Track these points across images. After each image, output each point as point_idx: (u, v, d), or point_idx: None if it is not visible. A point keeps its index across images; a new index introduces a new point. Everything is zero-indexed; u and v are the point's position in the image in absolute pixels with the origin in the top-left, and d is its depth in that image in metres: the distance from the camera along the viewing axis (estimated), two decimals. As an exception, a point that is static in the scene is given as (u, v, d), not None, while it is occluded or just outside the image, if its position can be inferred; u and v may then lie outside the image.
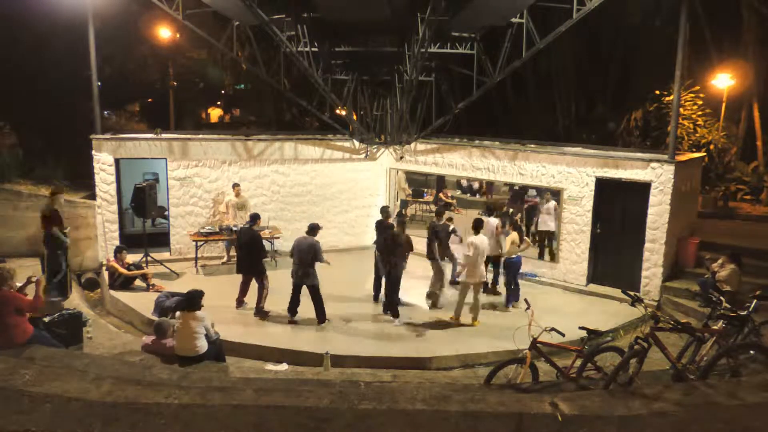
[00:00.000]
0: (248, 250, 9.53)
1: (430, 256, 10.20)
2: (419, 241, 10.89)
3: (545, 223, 11.84)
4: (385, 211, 10.60)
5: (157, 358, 7.42)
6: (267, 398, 3.50)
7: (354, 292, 10.78)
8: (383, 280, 9.88)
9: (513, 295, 10.23)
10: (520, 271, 10.45)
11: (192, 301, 7.41)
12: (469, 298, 9.48)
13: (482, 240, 9.38)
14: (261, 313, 9.51)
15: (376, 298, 10.27)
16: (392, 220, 10.41)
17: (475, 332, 9.19)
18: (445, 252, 10.38)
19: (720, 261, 9.78)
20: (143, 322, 9.43)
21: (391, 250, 9.38)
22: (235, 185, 12.27)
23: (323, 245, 10.43)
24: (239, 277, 10.08)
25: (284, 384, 5.93)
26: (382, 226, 10.22)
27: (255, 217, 9.83)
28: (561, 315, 9.42)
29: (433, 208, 14.05)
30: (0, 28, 12.96)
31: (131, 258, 10.91)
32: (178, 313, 7.53)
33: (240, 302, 9.74)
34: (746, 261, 10.00)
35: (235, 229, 11.40)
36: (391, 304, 9.55)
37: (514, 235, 10.13)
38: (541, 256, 12.04)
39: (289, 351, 8.36)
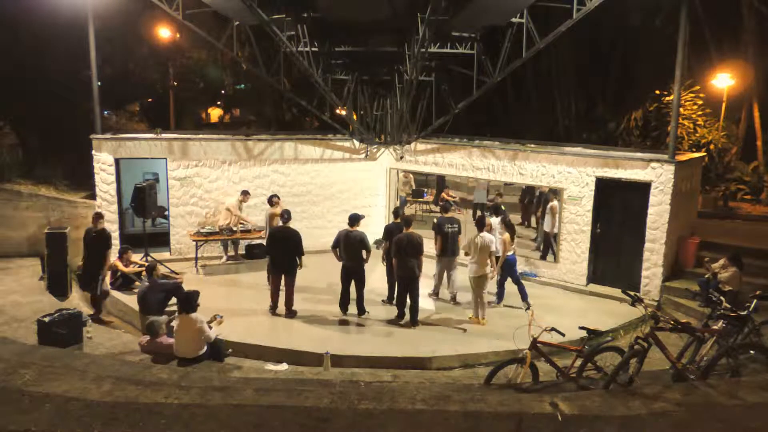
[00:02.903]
0: (283, 248, 9.46)
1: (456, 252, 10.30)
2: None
3: (549, 223, 11.85)
4: (397, 213, 10.57)
5: (156, 357, 7.44)
6: (267, 398, 3.50)
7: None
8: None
9: (521, 294, 10.24)
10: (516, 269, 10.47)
11: (188, 303, 7.41)
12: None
13: (484, 236, 9.43)
14: (291, 314, 9.50)
15: (391, 300, 10.09)
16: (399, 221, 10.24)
17: (475, 332, 9.18)
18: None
19: (721, 262, 9.77)
20: (144, 322, 9.42)
21: (415, 251, 9.25)
22: (246, 193, 12.24)
23: (324, 245, 10.46)
24: (239, 277, 10.08)
25: (284, 384, 5.92)
26: (396, 229, 9.89)
27: (289, 215, 9.83)
28: (561, 315, 9.44)
29: (434, 208, 14.10)
30: (0, 29, 12.95)
31: (133, 258, 10.91)
32: (175, 315, 7.54)
33: (275, 307, 9.57)
34: (746, 261, 9.98)
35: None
36: (417, 310, 9.46)
37: (506, 236, 10.09)
38: (543, 257, 12.05)
39: (289, 351, 8.36)
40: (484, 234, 9.47)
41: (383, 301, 10.12)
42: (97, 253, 9.75)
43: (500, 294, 10.36)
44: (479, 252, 9.33)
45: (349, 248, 9.35)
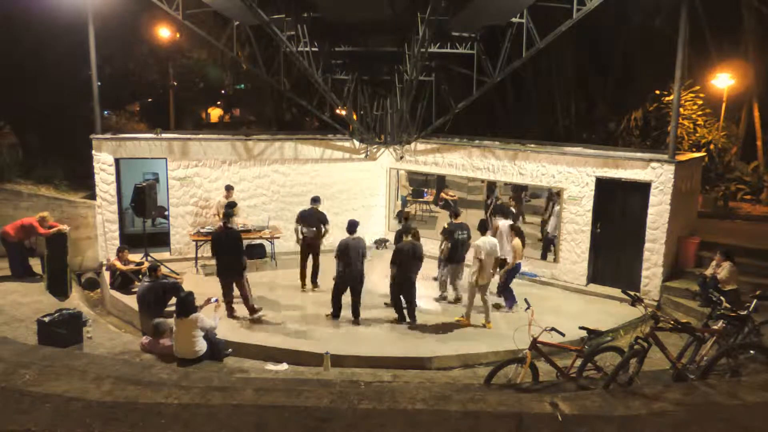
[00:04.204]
0: (229, 250, 9.25)
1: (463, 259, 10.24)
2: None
3: (554, 225, 11.85)
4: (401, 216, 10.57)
5: (156, 358, 7.46)
6: (267, 398, 3.50)
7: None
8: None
9: (509, 299, 10.20)
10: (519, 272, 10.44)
11: (186, 307, 7.42)
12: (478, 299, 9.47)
13: (487, 241, 9.34)
14: (254, 311, 9.34)
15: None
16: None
17: (475, 332, 9.18)
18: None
19: (714, 261, 9.80)
20: (144, 322, 9.42)
21: (418, 261, 9.22)
22: (229, 188, 12.15)
23: (323, 245, 10.45)
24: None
25: (284, 384, 5.92)
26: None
27: (228, 214, 9.57)
28: (561, 315, 9.43)
29: (434, 207, 14.10)
30: (0, 29, 12.96)
31: (132, 258, 10.92)
32: (173, 318, 7.57)
33: (231, 310, 9.42)
34: (746, 261, 10.02)
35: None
36: (413, 308, 9.43)
37: (517, 242, 10.00)
38: (544, 257, 12.05)
39: (289, 351, 8.36)
40: (490, 238, 9.42)
41: (386, 303, 10.03)
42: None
43: (513, 298, 10.18)
44: (488, 256, 9.25)
45: (355, 257, 9.18)
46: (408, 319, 9.40)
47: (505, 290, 10.21)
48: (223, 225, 9.45)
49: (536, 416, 3.38)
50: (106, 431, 3.06)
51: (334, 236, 13.42)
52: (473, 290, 9.36)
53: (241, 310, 9.55)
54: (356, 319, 9.42)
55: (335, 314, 9.48)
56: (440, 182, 13.88)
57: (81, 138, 12.19)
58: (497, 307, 10.12)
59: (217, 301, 8.13)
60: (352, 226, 9.35)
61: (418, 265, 9.27)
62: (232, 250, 9.25)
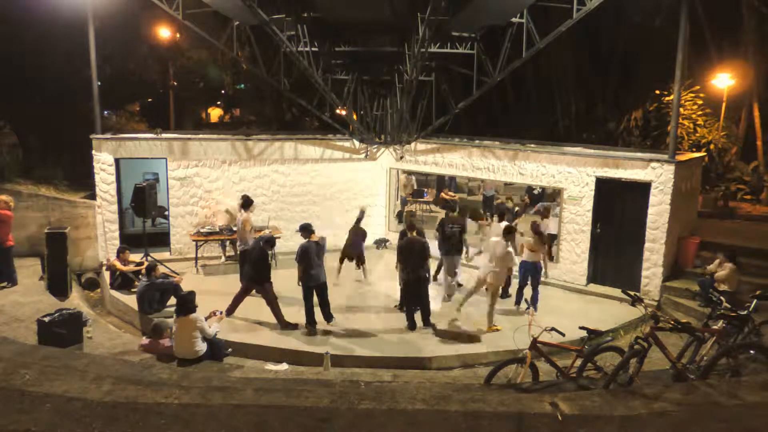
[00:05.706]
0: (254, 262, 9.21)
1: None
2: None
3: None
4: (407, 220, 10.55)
5: (160, 357, 7.46)
6: (267, 398, 3.50)
7: (354, 291, 10.78)
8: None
9: (519, 296, 10.23)
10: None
11: (186, 305, 7.42)
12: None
13: (490, 243, 9.33)
14: (289, 326, 9.05)
15: (401, 307, 9.80)
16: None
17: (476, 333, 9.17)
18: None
19: (717, 261, 9.80)
20: (143, 321, 9.43)
21: (417, 257, 9.07)
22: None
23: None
24: (238, 277, 10.04)
25: (284, 384, 5.92)
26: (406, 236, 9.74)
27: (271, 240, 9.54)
28: (561, 315, 9.43)
29: (434, 207, 14.11)
30: (1, 29, 12.96)
31: (132, 258, 10.92)
32: (174, 318, 7.57)
33: (232, 309, 9.31)
34: (746, 261, 10.01)
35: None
36: (428, 315, 9.26)
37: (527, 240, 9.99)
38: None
39: (289, 351, 8.36)
40: (493, 240, 9.34)
41: (395, 306, 9.99)
42: None
43: (534, 298, 9.96)
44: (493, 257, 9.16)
45: (322, 260, 8.92)
46: (423, 325, 9.20)
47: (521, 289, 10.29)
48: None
49: (536, 416, 3.39)
50: (106, 431, 3.06)
51: (338, 237, 13.50)
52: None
53: (240, 310, 9.56)
54: (328, 322, 9.10)
55: (311, 324, 8.98)
56: (440, 182, 13.90)
57: (81, 138, 12.19)
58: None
59: (221, 313, 8.15)
60: (305, 229, 9.11)
61: (426, 262, 9.17)
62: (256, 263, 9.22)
